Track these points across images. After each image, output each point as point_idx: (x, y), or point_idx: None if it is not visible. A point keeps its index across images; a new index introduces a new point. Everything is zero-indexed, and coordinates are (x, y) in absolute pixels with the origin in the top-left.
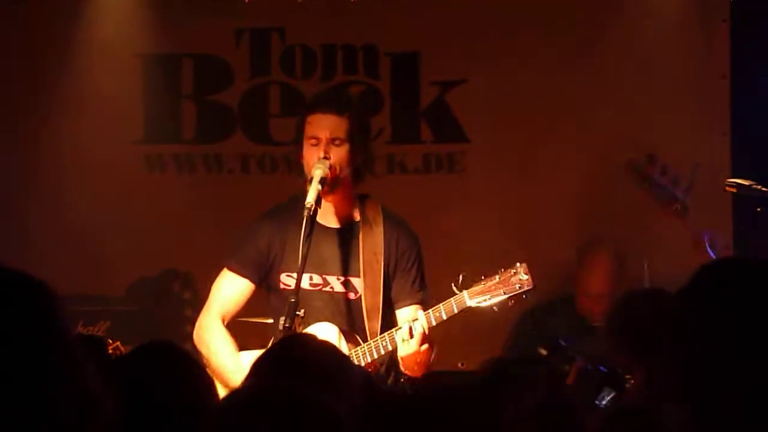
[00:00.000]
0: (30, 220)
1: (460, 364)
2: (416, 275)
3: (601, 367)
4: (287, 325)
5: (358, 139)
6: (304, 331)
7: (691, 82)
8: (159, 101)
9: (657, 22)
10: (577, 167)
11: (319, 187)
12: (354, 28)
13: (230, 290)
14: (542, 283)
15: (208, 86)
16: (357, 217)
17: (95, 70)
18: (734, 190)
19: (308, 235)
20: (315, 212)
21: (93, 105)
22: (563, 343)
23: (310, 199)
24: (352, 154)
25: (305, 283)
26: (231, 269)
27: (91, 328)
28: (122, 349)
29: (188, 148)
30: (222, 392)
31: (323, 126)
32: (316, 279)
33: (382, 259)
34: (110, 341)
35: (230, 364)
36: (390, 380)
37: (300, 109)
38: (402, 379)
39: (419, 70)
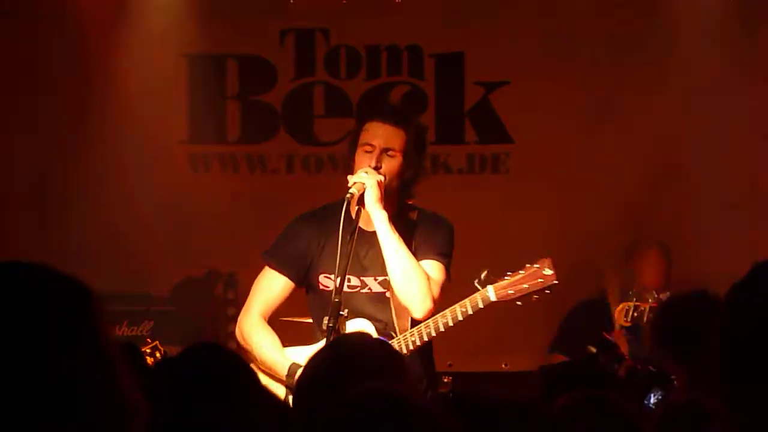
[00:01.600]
0: (75, 220)
1: (503, 365)
2: (438, 243)
3: (650, 367)
4: (331, 324)
5: (412, 154)
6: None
7: (733, 84)
8: (204, 101)
9: (698, 24)
10: (619, 169)
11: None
12: (398, 28)
13: (270, 288)
14: (584, 283)
15: (253, 87)
16: (394, 215)
17: (141, 69)
18: None
19: (351, 234)
20: (357, 215)
21: (139, 105)
22: (612, 342)
23: (354, 190)
24: (403, 167)
25: (344, 285)
26: (271, 266)
27: (135, 328)
28: (161, 348)
29: (232, 147)
30: (269, 384)
31: (379, 135)
32: (354, 281)
33: (412, 245)
34: (149, 340)
35: (278, 358)
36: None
37: (347, 109)
38: (445, 379)
39: (464, 70)
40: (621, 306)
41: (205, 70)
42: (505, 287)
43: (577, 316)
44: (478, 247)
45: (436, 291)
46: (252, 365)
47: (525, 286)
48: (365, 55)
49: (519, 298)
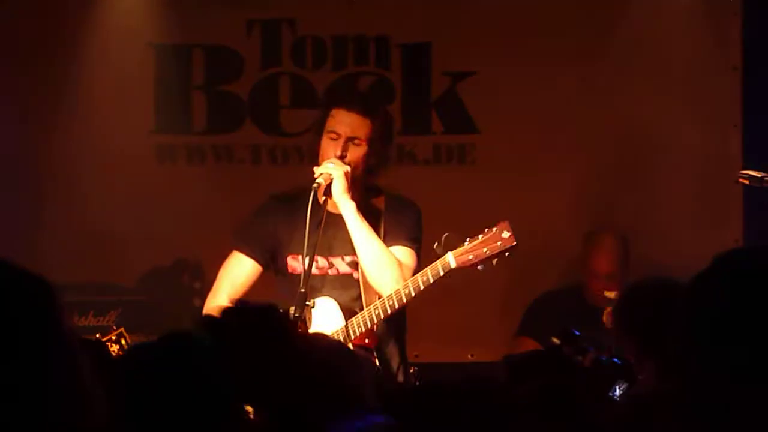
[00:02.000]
0: (41, 209)
1: (469, 356)
2: (407, 228)
3: (615, 359)
4: (296, 315)
5: (377, 144)
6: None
7: (703, 74)
8: (170, 92)
9: (668, 14)
10: (587, 160)
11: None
12: (365, 18)
13: (238, 271)
14: (550, 273)
15: (219, 77)
16: (360, 201)
17: (106, 59)
18: (746, 182)
19: (318, 221)
20: (324, 204)
21: (104, 95)
22: (577, 333)
23: (320, 180)
24: (368, 155)
25: (313, 268)
26: (238, 250)
27: (101, 318)
28: (126, 335)
29: (199, 138)
30: None
31: (346, 123)
32: (322, 262)
33: (381, 231)
34: (114, 327)
35: None
36: (399, 372)
37: (313, 99)
38: (411, 370)
39: (431, 61)
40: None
41: (171, 60)
42: (464, 252)
43: (545, 302)
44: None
45: (408, 276)
46: None
47: (485, 250)
48: (331, 46)
49: (479, 263)
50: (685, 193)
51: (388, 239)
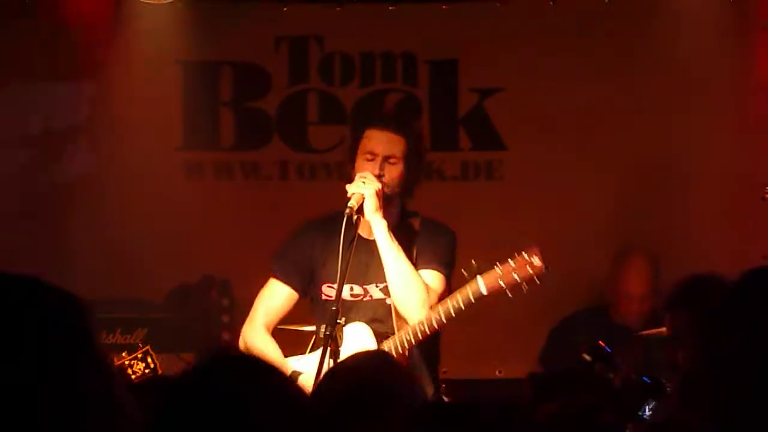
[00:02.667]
0: (70, 226)
1: (497, 372)
2: (439, 252)
3: (645, 378)
4: (327, 333)
5: (412, 160)
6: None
7: (731, 89)
8: (198, 108)
9: (695, 30)
10: (614, 177)
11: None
12: (392, 35)
13: (274, 298)
14: (579, 290)
15: (247, 93)
16: (395, 223)
17: (135, 77)
18: None
19: (350, 242)
20: (357, 223)
21: (133, 112)
22: (608, 350)
23: (353, 202)
24: (405, 174)
25: (346, 294)
26: (275, 277)
27: (128, 336)
28: (152, 353)
29: (227, 155)
30: None
31: (381, 142)
32: (357, 290)
33: (413, 254)
34: (140, 344)
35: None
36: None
37: (341, 116)
38: (442, 386)
39: (458, 77)
40: None
41: (199, 76)
42: (494, 279)
43: (569, 326)
44: (472, 255)
45: (434, 300)
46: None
47: (515, 276)
48: (359, 62)
49: (509, 289)
50: (714, 211)
51: (420, 262)
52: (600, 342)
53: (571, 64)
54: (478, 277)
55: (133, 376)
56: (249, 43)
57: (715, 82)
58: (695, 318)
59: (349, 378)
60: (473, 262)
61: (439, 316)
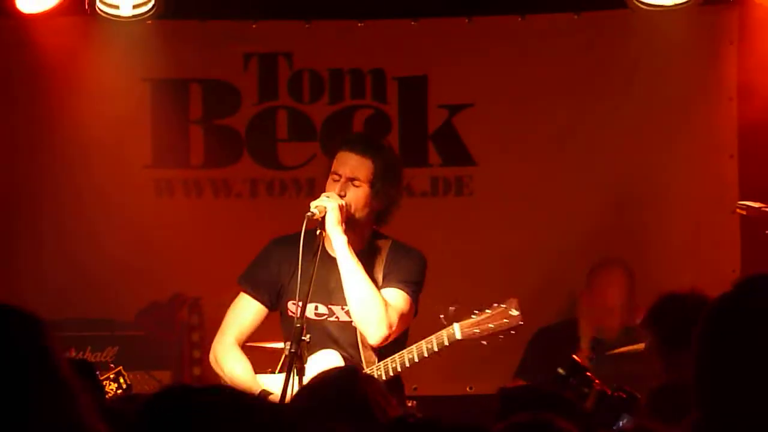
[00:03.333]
0: (38, 244)
1: (468, 388)
2: (404, 271)
3: (621, 392)
4: (293, 350)
5: (379, 184)
6: (309, 357)
7: (699, 104)
8: (167, 126)
9: (663, 45)
10: (583, 191)
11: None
12: (361, 52)
13: (244, 313)
14: (550, 305)
15: (216, 111)
16: (365, 246)
17: (103, 94)
18: (744, 212)
19: (313, 257)
20: (320, 239)
21: (101, 130)
22: (583, 365)
23: (314, 209)
24: (370, 197)
25: (310, 313)
26: (245, 292)
27: (98, 354)
28: (125, 373)
29: (196, 172)
30: None
31: (346, 164)
32: (322, 309)
33: (381, 274)
34: (112, 365)
35: (249, 384)
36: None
37: (311, 133)
38: (409, 404)
39: (427, 93)
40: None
41: (168, 94)
42: (471, 326)
43: (544, 340)
44: (442, 270)
45: (394, 318)
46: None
47: (491, 325)
48: (328, 79)
49: (484, 338)
50: (684, 224)
51: (385, 281)
52: (575, 357)
53: (541, 80)
54: (455, 324)
55: (105, 396)
56: (218, 60)
57: (686, 97)
58: (657, 337)
59: (323, 390)
60: (451, 308)
61: (413, 356)
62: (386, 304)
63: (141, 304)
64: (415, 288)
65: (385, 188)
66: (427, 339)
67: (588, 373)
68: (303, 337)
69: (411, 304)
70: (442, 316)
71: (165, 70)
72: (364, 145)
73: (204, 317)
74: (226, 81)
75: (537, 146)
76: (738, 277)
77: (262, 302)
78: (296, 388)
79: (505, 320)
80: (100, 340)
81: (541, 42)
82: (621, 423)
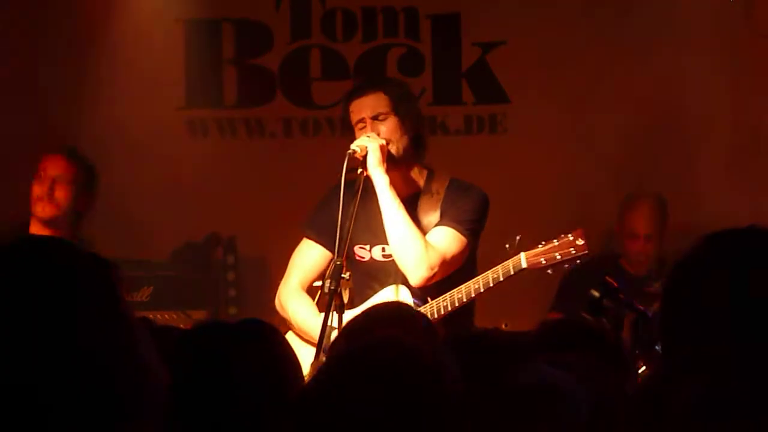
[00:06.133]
0: None
1: (503, 325)
2: (458, 210)
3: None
4: (332, 287)
5: (402, 109)
6: (377, 295)
7: (732, 42)
8: (200, 66)
9: None
10: (616, 129)
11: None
12: None
13: (308, 258)
14: (590, 238)
15: (249, 50)
16: (421, 188)
17: (136, 35)
18: None
19: (354, 193)
20: (359, 185)
21: (134, 71)
22: (616, 286)
23: (355, 147)
24: (403, 124)
25: (377, 255)
26: (309, 237)
27: (134, 294)
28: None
29: (230, 112)
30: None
31: (363, 107)
32: (389, 250)
33: (438, 213)
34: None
35: (313, 322)
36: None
37: (344, 71)
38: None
39: (460, 31)
40: None
41: (200, 34)
42: (537, 255)
43: (578, 273)
44: None
45: (435, 260)
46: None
47: (557, 255)
48: (361, 18)
49: (550, 267)
50: (719, 159)
51: (441, 220)
52: (608, 278)
53: (576, 16)
54: (522, 253)
55: None
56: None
57: (720, 38)
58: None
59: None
60: (517, 237)
61: (479, 286)
62: (426, 245)
63: (176, 244)
64: (470, 226)
65: (410, 110)
66: (492, 269)
67: (621, 295)
68: (342, 275)
69: (463, 244)
70: (507, 245)
71: (198, 10)
72: (370, 84)
73: (239, 256)
74: (258, 20)
75: (569, 84)
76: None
77: (326, 246)
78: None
79: (571, 249)
80: (135, 281)
81: None
82: (657, 347)
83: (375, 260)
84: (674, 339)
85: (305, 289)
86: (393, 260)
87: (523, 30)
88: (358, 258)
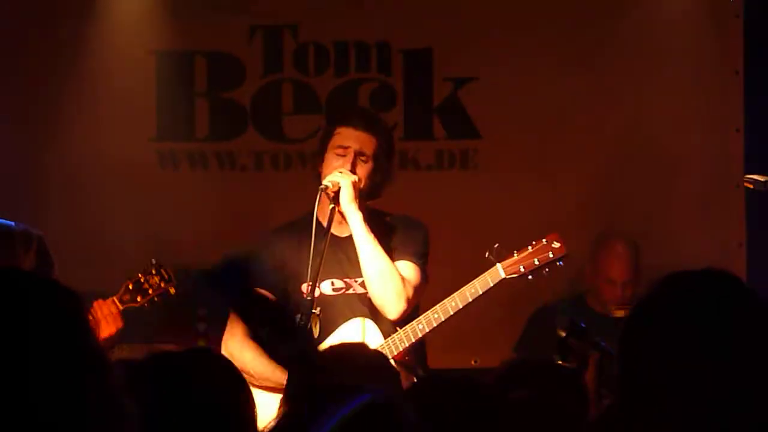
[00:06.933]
0: (44, 218)
1: (473, 362)
2: (412, 244)
3: None
4: (303, 322)
5: (380, 161)
6: (336, 330)
7: (704, 77)
8: (172, 99)
9: (669, 17)
10: (588, 164)
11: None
12: (366, 25)
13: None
14: (556, 278)
15: (221, 84)
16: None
17: (108, 66)
18: (751, 186)
19: (325, 233)
20: (331, 216)
21: (106, 102)
22: (583, 325)
23: (327, 183)
24: (373, 172)
25: (327, 289)
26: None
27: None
28: (164, 265)
29: (201, 145)
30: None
31: (353, 139)
32: (338, 284)
33: (388, 248)
34: (152, 261)
35: (274, 365)
36: (420, 371)
37: (316, 106)
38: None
39: (432, 66)
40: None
41: (172, 67)
42: (514, 263)
43: (545, 315)
44: (450, 244)
45: (410, 292)
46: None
47: (535, 260)
48: (333, 52)
49: (529, 273)
50: (689, 197)
51: (394, 255)
52: (572, 318)
53: (545, 53)
54: (497, 264)
55: (150, 291)
56: (223, 33)
57: (691, 70)
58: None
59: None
60: (495, 245)
61: (456, 303)
62: (402, 279)
63: None
64: (425, 260)
65: (386, 164)
66: (469, 284)
67: (587, 334)
68: (313, 310)
69: (421, 276)
70: (487, 254)
71: (170, 42)
72: (369, 121)
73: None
74: (231, 53)
75: (541, 119)
76: (743, 251)
77: (272, 293)
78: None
79: (549, 253)
80: None
81: (546, 15)
82: None
83: (324, 295)
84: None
85: (251, 335)
86: (342, 293)
87: (494, 66)
88: (305, 294)
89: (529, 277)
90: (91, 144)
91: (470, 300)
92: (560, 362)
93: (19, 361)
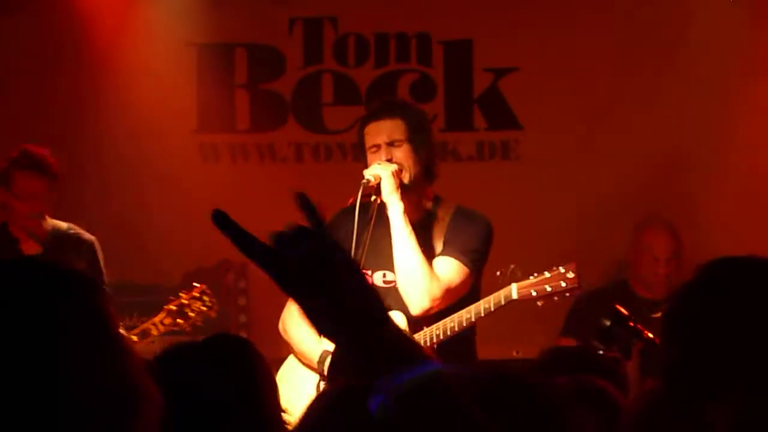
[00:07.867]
0: (86, 211)
1: (515, 353)
2: (462, 240)
3: None
4: None
5: (417, 138)
6: None
7: (745, 72)
8: (213, 91)
9: (710, 13)
10: (630, 156)
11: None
12: (406, 16)
13: None
14: (596, 269)
15: (261, 75)
16: (428, 214)
17: (148, 60)
18: None
19: (369, 224)
20: (375, 206)
21: (148, 95)
22: (626, 313)
23: (369, 176)
24: (416, 152)
25: (378, 280)
26: None
27: (145, 319)
28: (208, 291)
29: (242, 137)
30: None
31: (380, 132)
32: (390, 276)
33: (441, 242)
34: (195, 285)
35: (312, 347)
36: None
37: (356, 97)
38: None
39: (472, 57)
40: None
41: (213, 59)
42: (528, 286)
43: (587, 301)
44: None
45: (437, 291)
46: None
47: (548, 287)
48: (373, 43)
49: (540, 298)
50: (729, 192)
51: (444, 249)
52: (618, 306)
53: (587, 43)
54: (513, 284)
55: (191, 314)
56: (263, 24)
57: (732, 65)
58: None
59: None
60: (511, 266)
61: (470, 315)
62: (432, 276)
63: (187, 269)
64: (474, 257)
65: (425, 139)
66: (484, 299)
67: (631, 323)
68: None
69: (465, 274)
70: (498, 273)
71: (210, 34)
72: (389, 109)
73: (250, 282)
74: (271, 45)
75: (582, 111)
76: None
77: None
78: None
79: (561, 282)
80: (147, 305)
81: (587, 4)
82: None
83: (375, 286)
84: (672, 364)
85: None
86: (393, 287)
87: (535, 56)
88: None
89: (539, 303)
90: (133, 137)
91: (482, 314)
92: (602, 351)
93: (47, 345)
